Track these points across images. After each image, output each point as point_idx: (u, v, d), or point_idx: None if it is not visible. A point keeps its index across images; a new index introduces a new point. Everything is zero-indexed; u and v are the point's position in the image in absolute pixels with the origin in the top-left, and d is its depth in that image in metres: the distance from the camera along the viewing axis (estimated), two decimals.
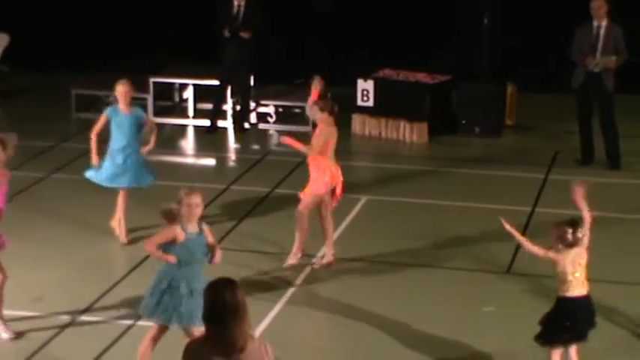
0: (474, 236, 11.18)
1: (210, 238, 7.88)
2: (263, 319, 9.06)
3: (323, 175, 10.20)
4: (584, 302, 7.89)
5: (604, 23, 13.18)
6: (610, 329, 9.05)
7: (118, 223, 10.93)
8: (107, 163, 10.78)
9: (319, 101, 10.50)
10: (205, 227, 7.89)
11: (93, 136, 10.81)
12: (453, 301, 9.69)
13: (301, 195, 10.27)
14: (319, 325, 9.45)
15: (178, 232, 7.72)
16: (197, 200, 7.76)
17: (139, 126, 10.86)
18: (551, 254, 7.91)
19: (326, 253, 10.38)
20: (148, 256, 10.42)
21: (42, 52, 17.67)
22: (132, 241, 10.81)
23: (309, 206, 10.20)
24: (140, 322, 9.00)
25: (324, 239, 10.37)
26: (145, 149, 10.93)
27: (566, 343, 7.91)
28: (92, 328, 9.08)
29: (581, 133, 13.69)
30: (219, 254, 7.84)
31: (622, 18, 13.28)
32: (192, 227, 7.78)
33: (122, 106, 10.75)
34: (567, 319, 7.85)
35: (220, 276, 5.53)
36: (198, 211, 7.77)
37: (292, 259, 10.29)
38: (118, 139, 10.76)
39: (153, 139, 10.94)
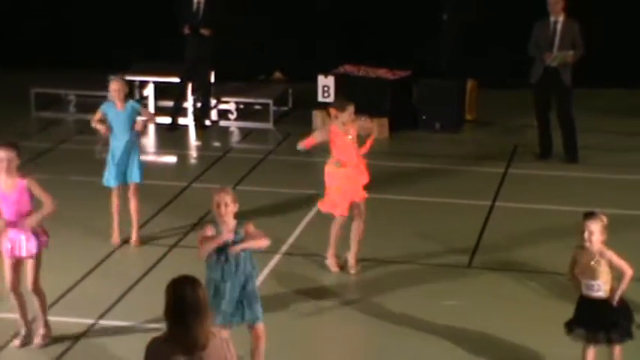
0: (434, 230, 11.23)
1: (253, 233, 7.62)
2: None
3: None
4: None
5: (561, 18, 13.29)
6: None
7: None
8: (110, 163, 10.74)
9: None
10: (246, 225, 7.61)
11: (94, 125, 10.78)
12: (415, 295, 9.72)
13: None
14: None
15: (209, 227, 7.61)
16: (217, 199, 7.56)
17: (134, 120, 10.81)
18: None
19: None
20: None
21: (0, 49, 17.55)
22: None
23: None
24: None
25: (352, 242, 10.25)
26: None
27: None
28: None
29: (539, 127, 13.80)
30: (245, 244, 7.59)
31: (578, 14, 13.40)
32: (226, 226, 7.54)
33: (116, 102, 10.73)
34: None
35: (182, 274, 5.54)
36: (222, 210, 7.51)
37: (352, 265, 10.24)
38: (115, 137, 10.73)
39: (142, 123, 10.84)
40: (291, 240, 10.88)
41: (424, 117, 15.13)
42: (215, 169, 13.49)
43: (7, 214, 8.48)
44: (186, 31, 14.90)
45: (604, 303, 7.75)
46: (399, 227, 11.38)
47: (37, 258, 8.52)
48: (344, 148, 10.06)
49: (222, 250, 7.55)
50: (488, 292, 9.78)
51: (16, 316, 8.74)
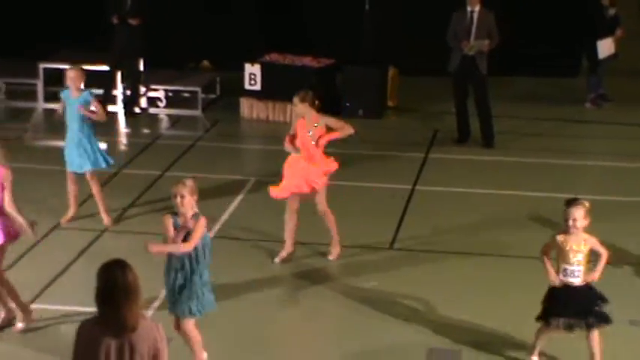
0: (358, 214, 11.29)
1: (195, 233, 7.52)
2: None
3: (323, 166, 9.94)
4: None
5: (477, 9, 13.43)
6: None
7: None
8: (67, 149, 10.72)
9: (308, 97, 9.97)
10: (200, 220, 7.53)
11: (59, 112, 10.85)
12: (339, 276, 9.78)
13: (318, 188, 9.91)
14: None
15: (168, 219, 7.60)
16: (174, 191, 7.54)
17: (88, 109, 10.72)
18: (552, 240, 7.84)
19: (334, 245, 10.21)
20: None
21: None
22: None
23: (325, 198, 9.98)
24: None
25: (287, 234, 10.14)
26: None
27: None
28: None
29: (457, 113, 13.95)
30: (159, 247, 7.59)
31: (492, 5, 13.56)
32: (183, 218, 7.53)
33: (72, 91, 10.63)
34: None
35: (112, 258, 5.53)
36: (177, 201, 7.49)
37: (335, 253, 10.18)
38: (68, 122, 10.71)
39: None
40: (218, 226, 10.83)
41: (347, 104, 15.18)
42: (145, 156, 13.41)
43: None
44: (115, 20, 14.77)
45: (582, 289, 7.72)
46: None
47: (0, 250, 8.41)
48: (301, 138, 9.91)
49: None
50: (408, 272, 9.88)
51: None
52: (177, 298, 7.64)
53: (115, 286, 5.36)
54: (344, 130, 9.93)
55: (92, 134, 10.80)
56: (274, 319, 8.99)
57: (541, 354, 8.09)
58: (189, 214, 7.55)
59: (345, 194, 11.95)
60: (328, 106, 15.04)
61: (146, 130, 14.75)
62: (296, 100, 9.96)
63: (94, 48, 15.30)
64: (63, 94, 10.83)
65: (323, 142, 9.90)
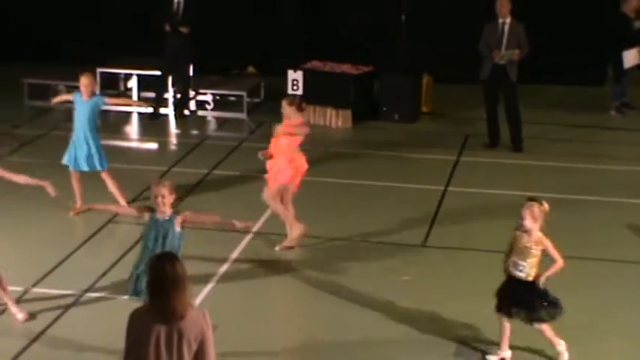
0: (393, 212, 11.26)
1: (177, 227, 7.80)
2: (203, 288, 9.09)
3: (289, 167, 10.03)
4: None
5: (508, 20, 13.35)
6: None
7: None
8: (70, 146, 10.85)
9: (296, 101, 10.21)
10: (177, 217, 7.81)
11: (56, 99, 11.20)
12: (375, 272, 9.77)
13: (269, 181, 10.10)
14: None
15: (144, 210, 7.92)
16: (155, 191, 7.81)
17: (95, 113, 10.82)
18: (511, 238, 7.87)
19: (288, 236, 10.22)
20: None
21: None
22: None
23: (273, 193, 10.06)
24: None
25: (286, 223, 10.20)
26: None
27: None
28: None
29: (488, 119, 13.87)
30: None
31: (524, 17, 13.48)
32: (162, 214, 7.81)
33: (83, 94, 10.75)
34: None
35: (164, 251, 5.57)
36: (159, 201, 7.76)
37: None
38: (76, 123, 10.81)
39: None
40: (266, 215, 10.84)
41: (384, 109, 15.16)
42: (193, 155, 13.46)
43: None
44: (167, 28, 14.86)
45: (526, 284, 7.79)
46: (362, 209, 11.40)
47: None
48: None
49: (154, 233, 7.74)
50: (442, 268, 9.85)
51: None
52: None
53: (164, 278, 5.39)
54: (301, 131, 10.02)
55: (97, 136, 10.86)
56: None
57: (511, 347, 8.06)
58: (169, 211, 7.81)
59: (382, 194, 11.96)
60: (366, 110, 15.12)
61: (195, 132, 14.80)
62: (284, 102, 10.14)
63: (147, 54, 15.40)
64: (75, 95, 10.94)
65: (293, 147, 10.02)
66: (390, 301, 9.04)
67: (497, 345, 8.11)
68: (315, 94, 14.94)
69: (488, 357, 8.10)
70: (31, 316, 8.57)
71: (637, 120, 15.24)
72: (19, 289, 9.02)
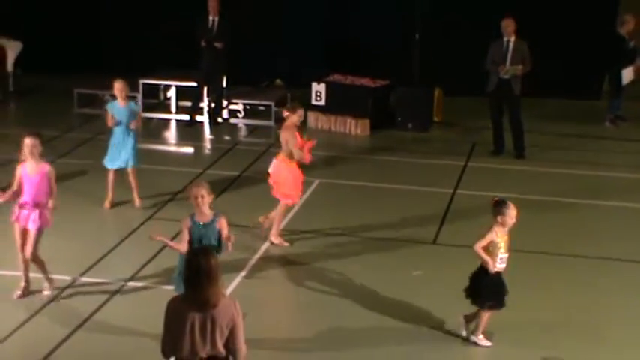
0: (407, 213, 11.23)
1: (224, 231, 7.53)
2: (233, 281, 9.09)
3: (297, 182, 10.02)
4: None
5: (512, 39, 13.29)
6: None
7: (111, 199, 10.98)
8: (110, 149, 10.88)
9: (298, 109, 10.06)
10: (220, 219, 7.55)
11: (110, 125, 10.96)
12: (389, 266, 9.75)
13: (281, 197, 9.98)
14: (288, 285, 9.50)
15: (186, 221, 7.56)
16: (195, 192, 7.55)
17: (132, 117, 10.85)
18: (492, 236, 7.85)
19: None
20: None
21: (48, 56, 17.48)
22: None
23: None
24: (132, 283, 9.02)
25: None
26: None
27: (491, 308, 7.93)
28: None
29: (493, 128, 13.81)
30: (229, 245, 7.54)
31: (527, 35, 13.41)
32: (202, 217, 7.54)
33: (119, 100, 10.76)
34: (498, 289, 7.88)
35: (200, 245, 5.57)
36: (199, 201, 7.49)
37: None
38: (116, 128, 10.83)
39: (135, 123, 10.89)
40: (290, 214, 10.83)
41: (399, 119, 15.12)
42: (225, 159, 13.47)
43: (27, 194, 8.36)
44: (203, 44, 14.88)
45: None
46: (379, 209, 11.37)
47: (38, 234, 8.43)
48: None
49: (197, 237, 7.49)
50: (451, 265, 9.80)
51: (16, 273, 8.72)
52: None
53: (198, 270, 5.39)
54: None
55: (135, 137, 10.87)
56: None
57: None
58: (208, 212, 7.54)
59: (394, 196, 11.92)
60: (382, 120, 15.09)
61: (227, 137, 14.81)
62: (301, 112, 10.04)
63: (184, 67, 15.43)
64: (109, 105, 10.90)
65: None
66: (404, 294, 9.00)
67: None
68: (337, 104, 14.95)
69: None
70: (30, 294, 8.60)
71: (629, 131, 15.14)
72: (68, 277, 9.06)
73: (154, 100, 16.12)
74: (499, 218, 7.82)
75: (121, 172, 11.00)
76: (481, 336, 8.04)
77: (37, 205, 8.38)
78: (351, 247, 10.21)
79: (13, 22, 17.19)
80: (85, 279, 9.12)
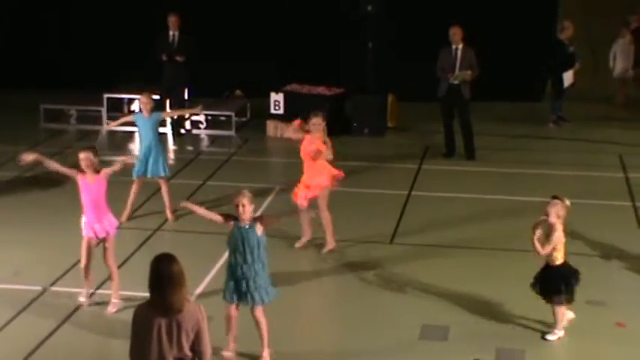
0: (364, 215, 11.23)
1: (259, 233, 7.43)
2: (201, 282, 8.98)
3: (323, 173, 9.94)
4: None
5: (460, 46, 13.35)
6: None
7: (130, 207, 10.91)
8: (137, 160, 10.81)
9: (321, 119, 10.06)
10: (258, 224, 7.44)
11: (113, 123, 11.15)
12: (344, 266, 9.69)
13: (313, 195, 9.89)
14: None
15: (230, 221, 7.46)
16: (236, 200, 7.46)
17: (157, 127, 10.76)
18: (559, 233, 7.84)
19: (328, 241, 10.05)
20: None
21: (14, 73, 17.24)
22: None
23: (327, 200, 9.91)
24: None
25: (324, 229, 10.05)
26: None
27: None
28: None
29: (445, 132, 13.85)
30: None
31: (474, 42, 13.47)
32: (243, 222, 7.44)
33: (144, 112, 10.66)
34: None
35: (161, 252, 5.46)
36: (240, 210, 7.39)
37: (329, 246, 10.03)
38: (141, 140, 10.84)
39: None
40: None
41: (355, 124, 15.12)
42: (189, 169, 13.36)
43: (89, 202, 8.40)
44: (164, 57, 14.76)
45: (551, 269, 7.91)
46: (336, 213, 11.24)
47: (113, 240, 8.50)
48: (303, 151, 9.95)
49: (240, 239, 7.40)
50: (406, 262, 9.78)
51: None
52: (247, 290, 7.42)
53: (162, 276, 5.30)
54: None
55: (161, 148, 10.84)
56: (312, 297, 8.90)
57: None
58: (248, 219, 7.44)
59: (352, 199, 11.89)
60: (339, 126, 15.05)
61: (190, 148, 14.69)
62: (319, 119, 10.06)
63: (146, 80, 15.27)
64: (134, 117, 10.92)
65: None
66: (364, 293, 8.95)
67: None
68: (295, 112, 14.85)
69: (547, 336, 8.00)
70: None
71: (571, 131, 15.29)
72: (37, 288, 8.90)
73: (119, 113, 15.91)
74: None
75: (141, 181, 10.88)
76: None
77: (97, 212, 8.41)
78: (308, 250, 10.12)
79: None
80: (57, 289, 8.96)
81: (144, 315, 5.37)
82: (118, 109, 15.85)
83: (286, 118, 15.04)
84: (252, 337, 7.65)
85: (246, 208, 7.41)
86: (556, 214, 7.79)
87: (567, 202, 7.88)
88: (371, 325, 8.32)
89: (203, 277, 9.20)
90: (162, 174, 10.86)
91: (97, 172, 8.46)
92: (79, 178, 8.46)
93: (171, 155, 14.54)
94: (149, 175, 10.83)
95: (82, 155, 8.44)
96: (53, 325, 8.24)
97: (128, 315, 5.51)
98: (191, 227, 10.54)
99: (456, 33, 13.27)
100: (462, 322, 8.32)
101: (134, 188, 10.84)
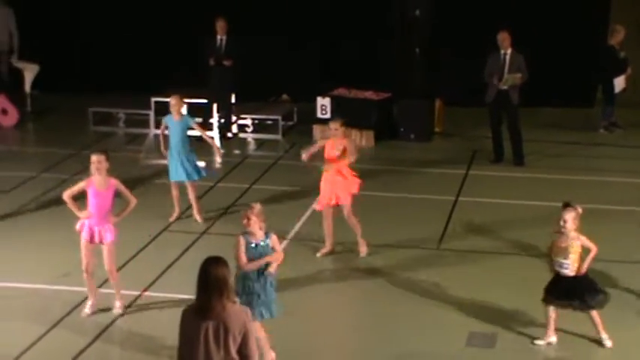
0: (411, 220, 11.20)
1: (276, 247, 7.47)
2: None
3: (347, 179, 9.91)
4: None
5: (509, 51, 13.26)
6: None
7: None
8: (171, 163, 10.93)
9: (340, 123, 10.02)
10: (271, 237, 7.45)
11: (161, 134, 11.21)
12: (394, 270, 9.69)
13: (343, 200, 9.86)
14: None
15: (241, 239, 7.40)
16: (243, 215, 7.46)
17: (186, 131, 10.85)
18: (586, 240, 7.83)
19: (361, 245, 10.07)
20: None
21: (64, 77, 17.51)
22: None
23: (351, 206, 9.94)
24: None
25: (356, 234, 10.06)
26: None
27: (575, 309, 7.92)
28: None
29: (493, 137, 13.77)
30: (273, 266, 7.43)
31: (523, 48, 13.38)
32: (254, 236, 7.41)
33: (174, 115, 10.78)
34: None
35: (210, 255, 5.52)
36: (245, 222, 7.39)
37: (362, 250, 10.06)
38: (171, 142, 10.93)
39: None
40: (296, 227, 10.83)
41: (402, 129, 15.09)
42: (235, 172, 13.45)
43: (95, 208, 8.38)
44: (212, 62, 14.88)
45: (574, 279, 7.74)
46: (382, 218, 11.32)
47: (113, 246, 8.49)
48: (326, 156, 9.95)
49: (256, 256, 7.38)
50: (453, 267, 9.75)
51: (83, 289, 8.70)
52: (254, 303, 7.37)
53: (208, 278, 5.35)
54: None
55: (190, 151, 10.88)
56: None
57: (557, 330, 8.00)
58: (260, 233, 7.42)
59: (399, 204, 11.88)
60: (386, 131, 15.05)
61: (237, 151, 14.78)
62: (337, 124, 9.98)
63: (194, 84, 15.42)
64: (166, 119, 10.95)
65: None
66: (407, 297, 8.95)
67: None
68: (341, 117, 14.82)
69: (536, 342, 7.98)
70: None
71: (623, 137, 15.08)
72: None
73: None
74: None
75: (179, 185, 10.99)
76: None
77: (102, 218, 8.41)
78: (357, 255, 10.13)
79: (31, 46, 17.21)
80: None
81: (190, 318, 5.42)
82: (165, 112, 16.00)
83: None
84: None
85: (252, 222, 7.36)
86: (574, 223, 7.70)
87: (579, 209, 7.78)
88: (418, 330, 8.31)
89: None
90: (184, 179, 10.87)
91: (108, 177, 8.40)
92: (88, 186, 8.36)
93: (218, 159, 14.64)
94: (177, 180, 10.87)
95: (93, 158, 8.34)
96: (107, 321, 8.39)
97: (174, 314, 5.58)
98: (235, 230, 10.59)
99: (504, 39, 13.19)
100: (509, 329, 8.25)
101: (173, 190, 10.93)
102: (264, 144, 15.19)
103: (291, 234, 10.62)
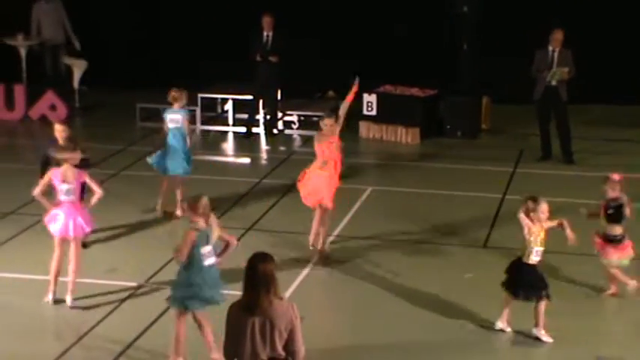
0: (457, 218, 11.17)
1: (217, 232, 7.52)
2: (291, 285, 9.09)
3: (334, 176, 10.00)
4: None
5: (558, 48, 13.13)
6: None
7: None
8: (162, 155, 11.00)
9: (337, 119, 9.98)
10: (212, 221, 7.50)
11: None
12: (442, 268, 9.68)
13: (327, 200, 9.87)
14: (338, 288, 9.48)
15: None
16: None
17: (183, 124, 10.98)
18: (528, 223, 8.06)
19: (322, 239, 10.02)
20: None
21: (113, 73, 17.71)
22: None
23: None
24: None
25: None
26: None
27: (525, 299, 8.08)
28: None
29: (541, 135, 13.65)
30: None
31: (572, 45, 13.24)
32: (202, 225, 7.42)
33: (174, 107, 10.89)
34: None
35: (258, 251, 5.56)
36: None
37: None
38: (169, 135, 10.99)
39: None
40: (345, 221, 10.84)
41: (448, 127, 15.02)
42: (281, 169, 13.49)
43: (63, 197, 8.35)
44: (258, 58, 14.94)
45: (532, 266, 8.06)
46: (430, 215, 11.29)
47: (80, 240, 8.53)
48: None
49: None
50: (500, 266, 9.68)
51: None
52: (195, 294, 7.42)
53: (255, 274, 5.38)
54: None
55: (186, 144, 10.90)
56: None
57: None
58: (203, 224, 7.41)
59: (446, 201, 11.84)
60: (432, 128, 14.99)
61: (282, 148, 14.84)
62: (331, 120, 9.92)
63: (241, 80, 15.50)
64: (167, 111, 11.00)
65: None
66: (454, 295, 8.92)
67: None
68: (387, 114, 14.90)
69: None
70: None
71: None
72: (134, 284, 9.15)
73: (212, 113, 16.22)
74: (532, 214, 7.98)
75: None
76: (542, 331, 7.95)
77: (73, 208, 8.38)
78: (404, 251, 10.15)
79: (79, 41, 17.42)
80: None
81: (237, 313, 5.46)
82: (212, 108, 16.14)
83: (379, 119, 15.07)
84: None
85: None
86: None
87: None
88: (463, 328, 8.27)
89: (293, 279, 9.32)
90: (180, 172, 10.89)
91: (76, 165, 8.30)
92: (54, 176, 8.30)
93: (264, 155, 14.73)
94: (173, 173, 10.88)
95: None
96: (153, 316, 8.48)
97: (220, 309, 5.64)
98: (281, 227, 10.67)
99: (557, 38, 13.06)
100: (557, 328, 8.18)
101: (164, 184, 10.99)
102: (309, 140, 15.20)
103: (339, 228, 10.61)
